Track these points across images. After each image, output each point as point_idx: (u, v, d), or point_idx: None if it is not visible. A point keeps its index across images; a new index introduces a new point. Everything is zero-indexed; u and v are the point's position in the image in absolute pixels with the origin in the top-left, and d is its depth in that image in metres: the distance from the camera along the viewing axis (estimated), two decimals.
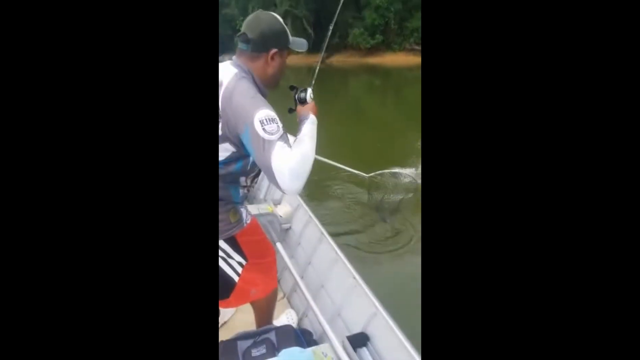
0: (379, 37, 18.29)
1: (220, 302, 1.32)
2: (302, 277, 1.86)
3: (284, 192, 1.00)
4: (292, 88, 1.27)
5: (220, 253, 1.27)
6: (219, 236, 1.22)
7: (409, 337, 1.32)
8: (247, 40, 1.10)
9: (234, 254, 1.28)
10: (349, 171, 3.79)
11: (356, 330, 1.51)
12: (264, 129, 0.98)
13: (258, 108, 0.99)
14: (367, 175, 4.04)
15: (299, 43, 1.21)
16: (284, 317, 1.78)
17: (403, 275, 3.03)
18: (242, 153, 1.09)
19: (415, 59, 17.20)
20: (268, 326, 1.48)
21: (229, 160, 1.11)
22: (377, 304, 1.44)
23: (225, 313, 1.79)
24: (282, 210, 2.30)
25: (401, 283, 2.80)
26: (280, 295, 1.90)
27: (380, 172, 4.02)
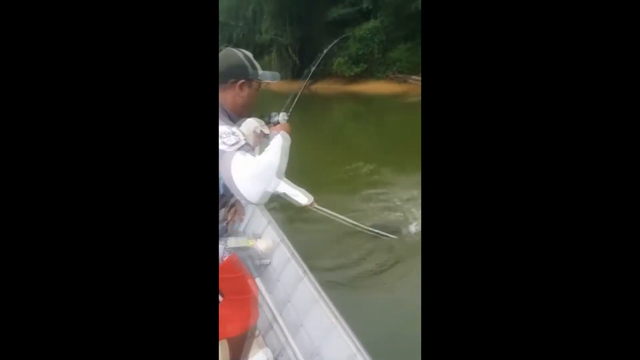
0: (362, 66, 18.82)
1: None
2: (280, 315, 1.80)
3: (247, 201, 0.98)
4: (263, 116, 1.31)
5: None
6: None
7: None
8: None
9: None
10: (349, 222, 3.67)
11: None
12: (222, 142, 0.98)
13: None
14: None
15: (269, 75, 1.26)
16: (260, 356, 1.72)
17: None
18: None
19: (397, 87, 17.70)
20: None
21: None
22: (358, 345, 1.41)
23: None
24: (262, 244, 2.23)
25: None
26: (256, 332, 1.84)
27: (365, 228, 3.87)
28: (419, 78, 17.41)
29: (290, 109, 1.41)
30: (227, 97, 1.16)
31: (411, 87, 17.34)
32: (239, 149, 0.97)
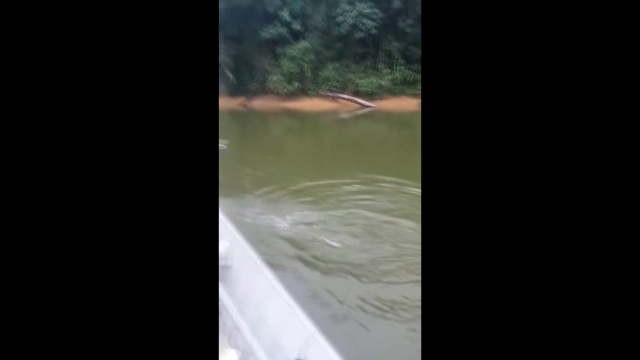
0: (295, 84, 19.10)
1: None
2: (242, 315, 1.80)
3: None
4: None
5: None
6: None
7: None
8: None
9: None
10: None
11: (293, 357, 1.49)
12: None
13: None
14: None
15: None
16: (232, 354, 1.69)
17: None
18: None
19: (328, 104, 18.28)
20: None
21: None
22: (311, 328, 1.43)
23: None
24: (220, 247, 2.15)
25: None
26: (220, 335, 1.78)
27: None
28: (349, 97, 18.16)
29: None
30: None
31: (342, 105, 18.02)
32: None
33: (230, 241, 2.18)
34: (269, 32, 19.06)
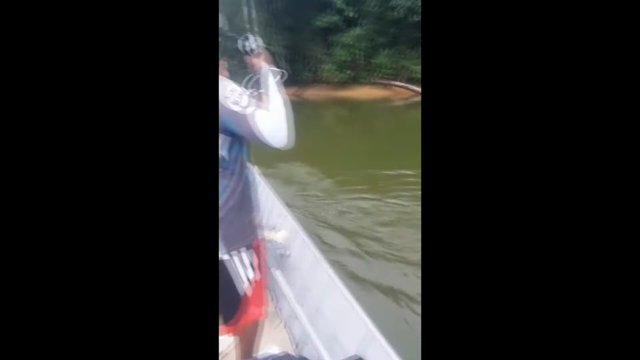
0: (348, 73, 18.90)
1: (225, 327, 1.18)
2: (300, 305, 1.79)
3: (274, 147, 1.00)
4: (234, 39, 1.21)
5: (236, 261, 1.14)
6: (239, 242, 1.11)
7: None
8: None
9: (248, 265, 1.15)
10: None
11: (351, 353, 1.47)
12: (235, 102, 0.97)
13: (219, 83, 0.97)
14: None
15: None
16: (278, 345, 1.70)
17: None
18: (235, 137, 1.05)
19: (381, 92, 17.86)
20: (268, 354, 1.39)
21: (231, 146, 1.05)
22: (370, 326, 1.40)
23: (223, 342, 1.61)
24: (279, 236, 2.19)
25: None
26: (277, 322, 1.81)
27: None
28: (402, 84, 17.57)
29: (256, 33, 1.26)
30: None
31: (395, 92, 17.50)
32: (251, 107, 0.96)
33: (290, 231, 2.19)
34: (323, 20, 18.95)
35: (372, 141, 10.43)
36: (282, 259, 2.18)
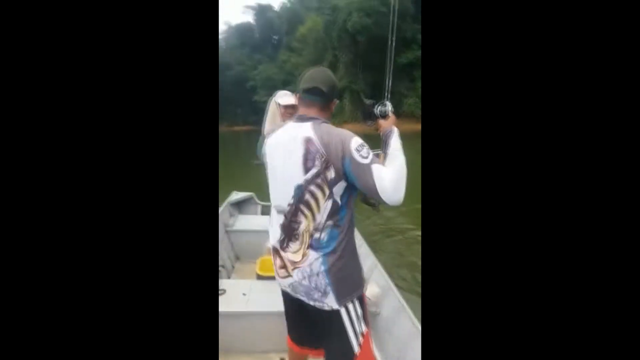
0: None
1: None
2: None
3: (389, 204, 1.02)
4: (369, 102, 1.27)
5: (347, 315, 1.08)
6: (349, 294, 1.07)
7: None
8: (319, 93, 1.13)
9: (360, 318, 1.09)
10: None
11: None
12: (360, 155, 1.02)
13: (351, 138, 1.04)
14: None
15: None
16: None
17: None
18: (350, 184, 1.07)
19: None
20: None
21: (347, 194, 1.07)
22: None
23: None
24: (369, 291, 1.87)
25: None
26: None
27: None
28: None
29: (388, 98, 1.36)
30: (327, 115, 1.17)
31: None
32: (373, 162, 1.00)
33: (380, 285, 1.87)
34: (406, 56, 19.11)
35: None
36: (372, 318, 1.72)
